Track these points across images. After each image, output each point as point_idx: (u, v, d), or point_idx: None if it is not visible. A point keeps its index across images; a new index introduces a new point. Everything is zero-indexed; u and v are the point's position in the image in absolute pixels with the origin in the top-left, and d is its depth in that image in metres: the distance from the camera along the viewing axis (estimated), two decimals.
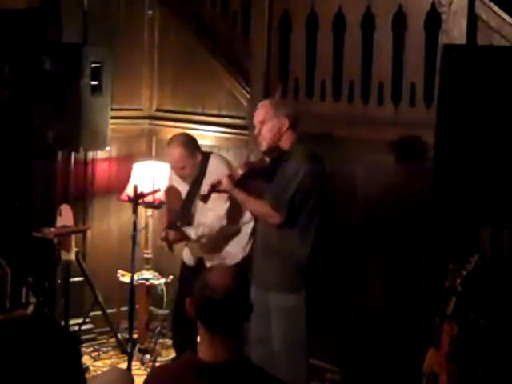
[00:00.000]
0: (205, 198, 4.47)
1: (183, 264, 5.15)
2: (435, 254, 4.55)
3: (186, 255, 5.12)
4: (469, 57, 3.89)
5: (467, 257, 3.76)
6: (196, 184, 4.95)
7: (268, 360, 4.23)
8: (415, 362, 3.63)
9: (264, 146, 4.34)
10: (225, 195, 4.70)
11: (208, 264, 4.89)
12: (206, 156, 5.00)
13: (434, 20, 4.65)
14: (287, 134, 4.32)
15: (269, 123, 4.31)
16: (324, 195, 4.37)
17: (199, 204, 4.92)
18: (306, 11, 5.25)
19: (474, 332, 3.77)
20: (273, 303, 4.33)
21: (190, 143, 4.96)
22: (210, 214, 4.83)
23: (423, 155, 4.55)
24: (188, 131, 5.87)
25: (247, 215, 4.92)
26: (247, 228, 4.95)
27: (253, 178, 4.41)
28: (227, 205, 4.82)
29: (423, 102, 4.73)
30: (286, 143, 4.34)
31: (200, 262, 4.99)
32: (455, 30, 4.47)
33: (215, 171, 4.83)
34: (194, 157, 4.93)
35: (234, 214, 4.87)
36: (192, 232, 4.87)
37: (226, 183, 4.32)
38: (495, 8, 4.38)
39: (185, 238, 4.91)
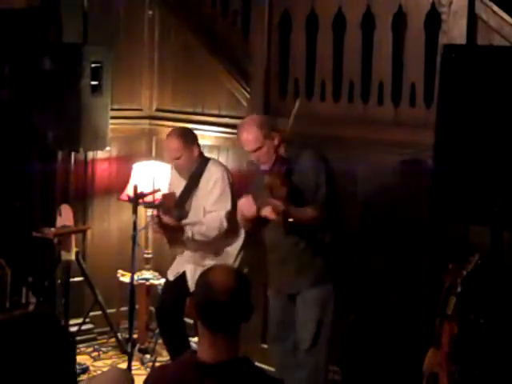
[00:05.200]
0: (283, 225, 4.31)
1: (166, 278, 5.26)
2: (435, 253, 4.55)
3: (170, 269, 5.19)
4: (469, 57, 3.89)
5: (467, 257, 3.76)
6: (192, 182, 4.99)
7: (288, 357, 4.40)
8: (415, 361, 3.64)
9: (267, 165, 4.34)
10: (228, 196, 4.82)
11: (190, 274, 4.94)
12: (206, 159, 5.05)
13: (434, 20, 4.65)
14: (281, 145, 4.36)
15: (263, 148, 4.31)
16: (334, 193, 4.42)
17: (194, 203, 4.97)
18: (306, 11, 5.25)
19: (473, 332, 3.77)
20: (304, 298, 4.36)
21: (187, 135, 5.02)
22: (211, 215, 4.87)
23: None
24: None
25: (240, 230, 4.94)
26: (241, 234, 4.98)
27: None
28: (229, 206, 4.85)
29: (423, 102, 4.73)
30: (281, 151, 4.36)
31: (179, 278, 5.04)
32: (455, 30, 4.47)
33: (212, 175, 4.91)
34: (191, 149, 4.96)
35: (232, 219, 4.86)
36: (188, 228, 4.88)
37: (272, 215, 4.15)
38: (495, 8, 4.39)
39: (179, 227, 4.91)
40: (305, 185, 4.28)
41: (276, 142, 4.33)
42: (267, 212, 4.16)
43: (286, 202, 4.15)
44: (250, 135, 4.33)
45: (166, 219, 4.91)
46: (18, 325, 2.03)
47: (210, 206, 4.88)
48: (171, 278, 5.13)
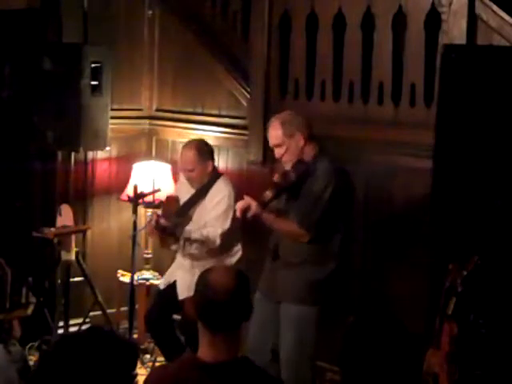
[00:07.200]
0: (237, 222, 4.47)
1: (158, 287, 5.29)
2: (435, 253, 4.55)
3: (163, 278, 5.22)
4: (469, 57, 3.90)
5: (467, 257, 3.76)
6: (200, 194, 4.99)
7: (266, 367, 4.25)
8: (415, 362, 3.63)
9: (288, 166, 4.27)
10: (228, 216, 4.80)
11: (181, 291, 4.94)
12: (217, 175, 5.04)
13: (434, 20, 4.65)
14: (307, 146, 4.25)
15: (284, 145, 4.23)
16: (350, 211, 4.33)
17: (197, 214, 4.98)
18: (306, 11, 5.24)
19: (473, 332, 3.77)
20: (285, 314, 4.30)
21: (204, 149, 5.00)
22: (207, 230, 4.87)
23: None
24: (188, 131, 5.89)
25: (237, 245, 4.97)
26: (236, 255, 4.99)
27: (280, 197, 4.30)
28: (227, 226, 4.85)
29: (423, 102, 4.73)
30: (308, 155, 4.26)
31: (169, 286, 5.05)
32: (455, 30, 4.47)
33: (219, 191, 4.91)
34: (205, 163, 4.95)
35: (228, 238, 4.89)
36: (182, 233, 4.89)
37: (254, 208, 4.18)
38: (495, 8, 4.39)
39: (173, 235, 4.91)
40: (306, 197, 4.21)
41: (301, 142, 4.25)
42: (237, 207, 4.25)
43: (263, 206, 4.17)
44: (274, 131, 4.28)
45: (163, 222, 4.90)
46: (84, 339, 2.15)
47: (210, 221, 4.89)
48: (162, 286, 5.17)
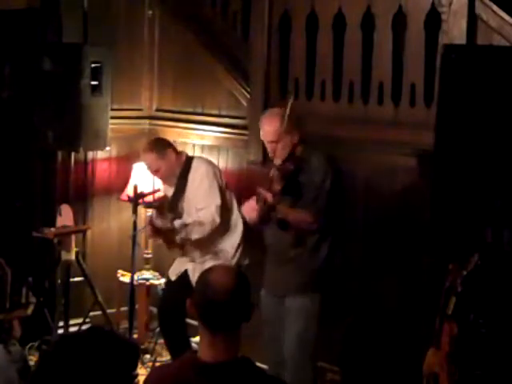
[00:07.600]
0: (262, 217, 4.48)
1: (168, 278, 5.26)
2: (435, 253, 4.55)
3: (171, 269, 5.19)
4: (469, 57, 3.90)
5: (467, 257, 3.76)
6: (181, 184, 4.99)
7: (281, 361, 4.35)
8: (415, 361, 3.63)
9: (278, 161, 4.34)
10: (215, 190, 4.82)
11: (194, 271, 4.92)
12: (190, 159, 5.06)
13: (434, 20, 4.65)
14: (299, 144, 4.37)
15: (280, 143, 4.31)
16: (341, 198, 4.45)
17: (186, 204, 4.98)
18: (306, 11, 5.24)
19: (473, 332, 3.77)
20: (290, 307, 4.37)
21: (157, 145, 5.03)
22: (202, 212, 4.86)
23: None
24: (188, 131, 5.90)
25: (235, 216, 4.96)
26: (237, 229, 4.99)
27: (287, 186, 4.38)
28: (219, 200, 4.85)
29: (423, 102, 4.73)
30: (299, 150, 4.38)
31: (181, 277, 5.03)
32: (455, 30, 4.47)
33: (196, 172, 4.91)
34: (166, 156, 4.96)
35: (224, 214, 4.90)
36: (180, 228, 4.88)
37: (270, 199, 4.25)
38: (495, 8, 4.39)
39: (172, 230, 4.91)
40: (308, 187, 4.28)
41: (295, 139, 4.35)
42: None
43: (278, 197, 4.23)
44: (271, 127, 4.35)
45: (158, 223, 4.91)
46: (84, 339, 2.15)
47: (200, 203, 4.87)
48: (173, 277, 5.12)
